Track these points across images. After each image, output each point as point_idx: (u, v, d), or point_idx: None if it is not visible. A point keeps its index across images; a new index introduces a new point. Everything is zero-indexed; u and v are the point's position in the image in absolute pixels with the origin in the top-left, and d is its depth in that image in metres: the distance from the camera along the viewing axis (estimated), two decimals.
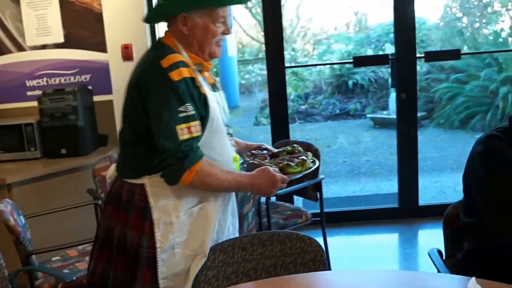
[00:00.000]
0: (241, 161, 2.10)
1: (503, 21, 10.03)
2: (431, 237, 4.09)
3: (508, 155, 1.91)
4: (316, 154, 2.99)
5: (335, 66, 10.57)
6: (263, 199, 3.14)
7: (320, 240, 2.02)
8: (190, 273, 1.88)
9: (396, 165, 4.44)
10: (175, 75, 1.75)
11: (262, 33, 15.43)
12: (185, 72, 1.78)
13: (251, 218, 2.84)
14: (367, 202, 5.15)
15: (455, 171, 6.34)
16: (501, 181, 1.90)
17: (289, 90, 4.00)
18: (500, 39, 9.77)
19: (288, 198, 4.03)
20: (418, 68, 4.22)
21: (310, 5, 13.17)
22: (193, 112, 1.78)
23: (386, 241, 4.23)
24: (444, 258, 2.18)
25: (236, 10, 13.64)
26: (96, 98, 3.94)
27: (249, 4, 14.02)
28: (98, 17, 3.87)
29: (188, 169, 1.76)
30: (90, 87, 3.92)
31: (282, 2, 4.16)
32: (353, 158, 7.41)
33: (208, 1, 1.84)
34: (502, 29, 9.93)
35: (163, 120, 1.75)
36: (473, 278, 1.61)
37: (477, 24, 10.33)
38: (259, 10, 13.46)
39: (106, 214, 2.00)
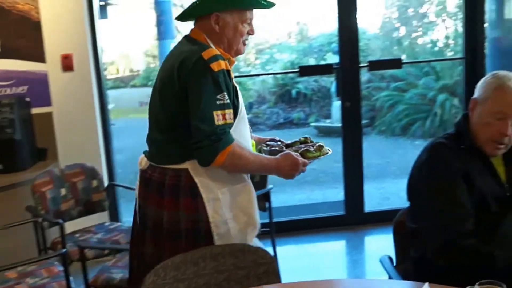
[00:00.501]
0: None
1: (438, 31, 10.41)
2: (378, 243, 4.15)
3: (452, 164, 1.95)
4: None
5: (278, 75, 10.65)
6: None
7: (269, 250, 2.00)
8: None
9: (341, 173, 4.48)
10: (215, 66, 1.91)
11: None
12: (223, 65, 1.94)
13: None
14: (314, 211, 5.17)
15: (398, 177, 6.48)
16: (444, 189, 1.94)
17: None
18: (436, 48, 10.13)
19: None
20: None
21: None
22: (228, 101, 1.94)
23: (334, 249, 4.25)
24: (395, 264, 2.20)
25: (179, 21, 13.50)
26: (34, 111, 3.79)
27: None
28: (36, 26, 3.72)
29: (221, 151, 1.90)
30: (27, 99, 3.76)
31: None
32: None
33: (238, 3, 2.05)
34: (438, 39, 10.31)
35: (202, 105, 1.90)
36: (426, 284, 1.62)
37: (414, 34, 10.67)
38: None
39: (151, 203, 2.08)
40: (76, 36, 3.77)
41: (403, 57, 9.75)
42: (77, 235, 3.27)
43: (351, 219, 4.43)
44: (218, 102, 1.91)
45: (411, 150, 7.92)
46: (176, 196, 2.01)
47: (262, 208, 3.40)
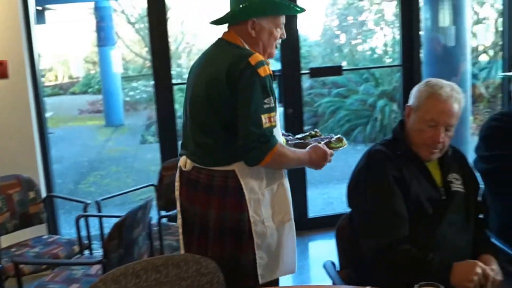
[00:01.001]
0: None
1: (377, 38, 10.70)
2: (322, 249, 4.18)
3: (389, 172, 1.99)
4: None
5: None
6: (154, 220, 3.06)
7: None
8: (283, 240, 2.23)
9: None
10: (262, 72, 2.01)
11: (146, 49, 15.05)
12: (267, 70, 2.05)
13: (141, 242, 2.72)
14: None
15: (341, 182, 6.58)
16: (380, 197, 1.98)
17: (175, 106, 3.96)
18: (375, 55, 10.39)
19: None
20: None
21: (194, 21, 13.17)
22: (273, 105, 2.05)
23: None
24: (338, 269, 2.22)
25: (119, 26, 13.32)
26: None
27: (132, 19, 13.80)
28: None
29: (270, 151, 2.01)
30: None
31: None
32: None
33: (275, 9, 2.16)
34: (376, 46, 10.58)
35: (251, 109, 1.99)
36: None
37: (354, 41, 10.91)
38: (143, 26, 13.24)
39: (198, 202, 2.16)
40: (11, 42, 3.64)
41: (344, 64, 9.95)
42: (13, 249, 3.14)
43: (295, 224, 4.43)
44: (265, 106, 2.01)
45: (353, 155, 8.01)
46: (223, 196, 2.11)
47: None
